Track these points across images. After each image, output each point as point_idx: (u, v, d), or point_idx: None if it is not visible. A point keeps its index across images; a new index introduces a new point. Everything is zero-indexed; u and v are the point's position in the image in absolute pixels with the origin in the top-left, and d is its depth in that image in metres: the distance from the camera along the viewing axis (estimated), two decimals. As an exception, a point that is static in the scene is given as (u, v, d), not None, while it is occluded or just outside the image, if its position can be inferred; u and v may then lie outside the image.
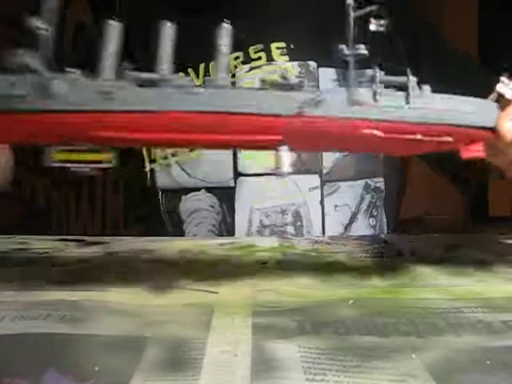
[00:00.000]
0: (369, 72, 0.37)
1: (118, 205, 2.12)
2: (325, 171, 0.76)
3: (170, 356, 0.31)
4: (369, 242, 0.63)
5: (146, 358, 0.30)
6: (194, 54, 0.67)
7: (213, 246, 0.61)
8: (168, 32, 0.35)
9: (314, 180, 0.75)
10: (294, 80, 0.36)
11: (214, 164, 0.76)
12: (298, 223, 0.76)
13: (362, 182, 0.78)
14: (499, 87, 0.43)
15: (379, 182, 0.79)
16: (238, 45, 0.80)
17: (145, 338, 0.33)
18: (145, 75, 0.35)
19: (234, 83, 0.78)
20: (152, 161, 0.79)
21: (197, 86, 0.35)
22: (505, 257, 0.53)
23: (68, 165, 0.35)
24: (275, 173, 0.37)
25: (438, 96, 0.38)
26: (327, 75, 0.76)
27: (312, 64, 0.77)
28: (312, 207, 0.76)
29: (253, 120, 0.35)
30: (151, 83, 0.34)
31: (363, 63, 0.37)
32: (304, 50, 0.77)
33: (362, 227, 0.78)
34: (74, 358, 0.31)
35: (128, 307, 0.39)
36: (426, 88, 0.38)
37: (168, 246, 0.62)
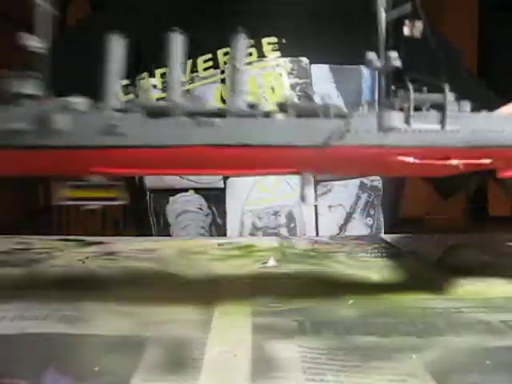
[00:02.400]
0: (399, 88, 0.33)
1: (118, 205, 2.12)
2: None
3: (169, 356, 0.30)
4: (368, 241, 0.63)
5: (146, 358, 0.30)
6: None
7: (212, 245, 0.61)
8: (178, 46, 0.32)
9: None
10: (318, 104, 0.33)
11: None
12: (292, 225, 0.75)
13: (356, 182, 0.76)
14: None
15: (376, 181, 0.78)
16: (224, 42, 0.79)
17: (145, 338, 0.33)
18: (154, 104, 0.32)
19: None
20: None
21: (213, 113, 0.32)
22: (505, 257, 0.53)
23: (79, 202, 0.33)
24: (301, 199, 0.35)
25: (479, 116, 0.34)
26: (320, 72, 0.75)
27: (304, 60, 0.75)
28: (305, 208, 0.75)
29: (276, 153, 0.32)
30: (162, 112, 0.31)
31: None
32: (296, 46, 0.75)
33: (359, 227, 0.77)
34: (73, 358, 0.31)
35: (128, 307, 0.39)
36: (466, 105, 0.34)
37: (168, 245, 0.62)
